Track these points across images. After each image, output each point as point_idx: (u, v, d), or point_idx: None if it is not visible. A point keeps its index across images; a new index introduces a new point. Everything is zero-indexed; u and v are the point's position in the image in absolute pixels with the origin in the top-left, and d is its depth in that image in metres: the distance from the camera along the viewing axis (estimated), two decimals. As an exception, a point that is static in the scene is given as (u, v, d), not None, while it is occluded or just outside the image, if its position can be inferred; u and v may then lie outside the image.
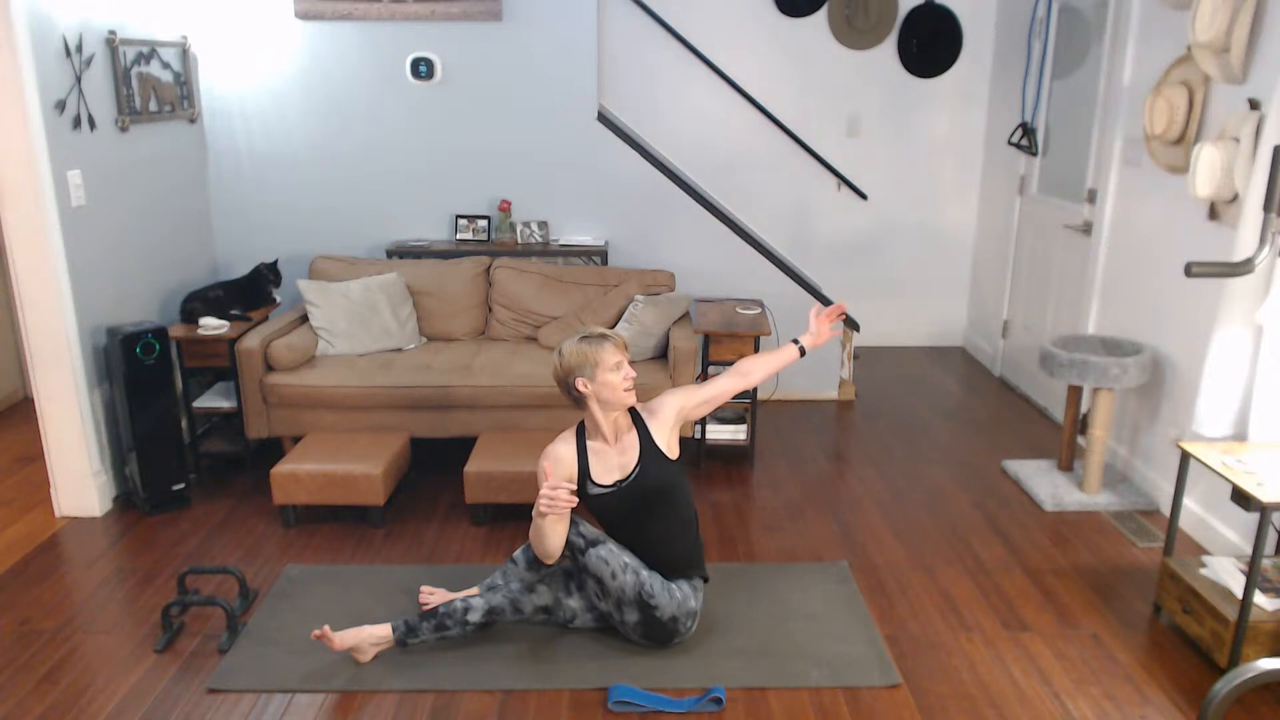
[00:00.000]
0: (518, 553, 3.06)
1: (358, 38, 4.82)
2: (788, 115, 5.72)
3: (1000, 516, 3.88)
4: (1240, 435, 3.26)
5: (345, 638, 2.82)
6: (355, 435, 4.01)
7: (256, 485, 4.15)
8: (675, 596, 2.86)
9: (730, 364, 4.30)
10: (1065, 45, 4.97)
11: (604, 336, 2.88)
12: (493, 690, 2.75)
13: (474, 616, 2.87)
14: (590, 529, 2.88)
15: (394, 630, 2.86)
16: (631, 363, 2.96)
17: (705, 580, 3.03)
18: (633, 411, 2.98)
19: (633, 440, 2.93)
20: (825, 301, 5.12)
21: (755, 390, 4.35)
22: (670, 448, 2.95)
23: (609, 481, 2.91)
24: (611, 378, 2.83)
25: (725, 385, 3.04)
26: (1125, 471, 4.20)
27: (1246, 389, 3.23)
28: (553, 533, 2.76)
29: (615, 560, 2.83)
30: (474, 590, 3.10)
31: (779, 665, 2.86)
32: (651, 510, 2.91)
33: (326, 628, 2.80)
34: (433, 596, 3.16)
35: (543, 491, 2.67)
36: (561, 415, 4.15)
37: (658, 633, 2.88)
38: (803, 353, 3.12)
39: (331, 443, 3.91)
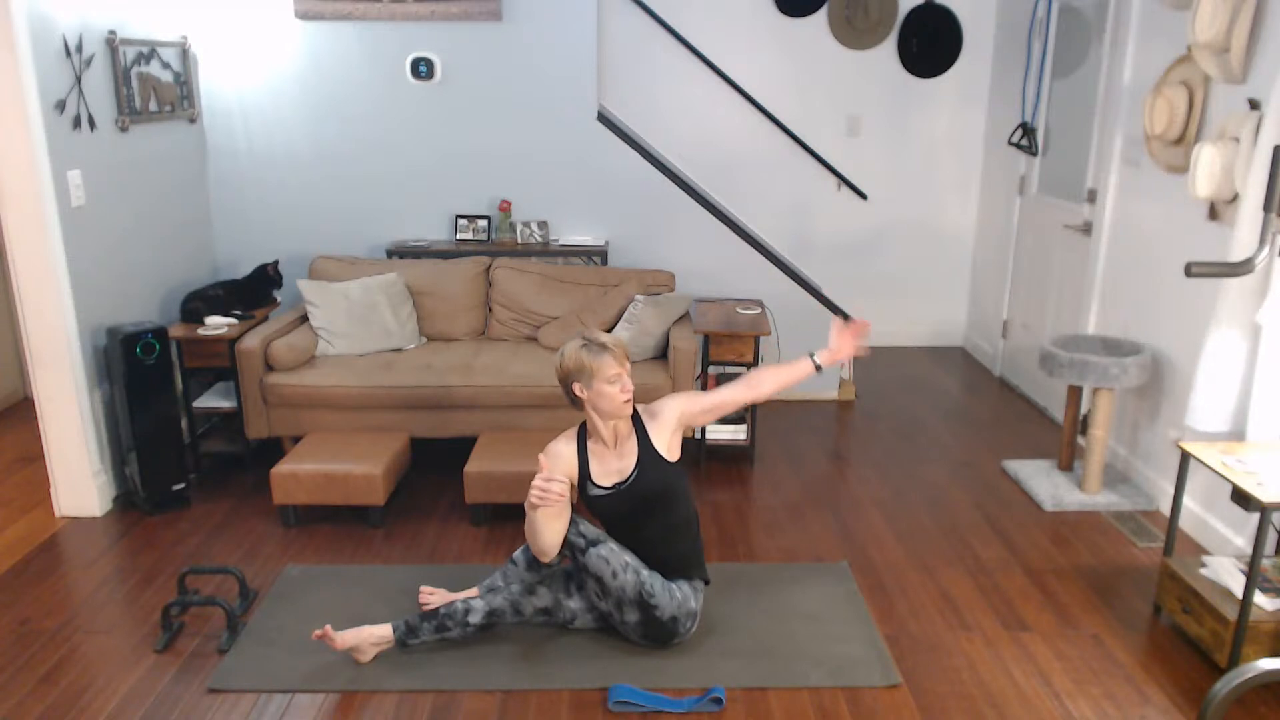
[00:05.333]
0: (517, 553, 3.06)
1: (358, 38, 4.82)
2: (788, 115, 5.72)
3: (1000, 516, 3.88)
4: (1235, 433, 3.26)
5: (346, 638, 2.82)
6: (355, 435, 4.01)
7: (256, 485, 4.15)
8: (675, 597, 2.86)
9: (730, 363, 4.32)
10: (1065, 45, 4.97)
11: (604, 347, 2.81)
12: (493, 690, 2.75)
13: (474, 618, 2.87)
14: (590, 529, 2.88)
15: (394, 630, 2.86)
16: (632, 372, 2.92)
17: (706, 582, 3.03)
18: (636, 413, 2.97)
19: (632, 444, 2.92)
20: (830, 306, 5.11)
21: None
22: (670, 450, 2.94)
23: (608, 484, 2.91)
24: (608, 389, 2.80)
25: (732, 395, 3.00)
26: (1125, 471, 4.20)
27: (1244, 387, 3.23)
28: (546, 529, 2.74)
29: (616, 560, 2.82)
30: (473, 591, 3.10)
31: (779, 665, 2.86)
32: (650, 513, 2.91)
33: (328, 627, 2.80)
34: (433, 596, 3.16)
35: (535, 482, 2.66)
36: (561, 415, 4.15)
37: (658, 633, 2.88)
38: (819, 369, 3.03)
39: (331, 443, 3.91)
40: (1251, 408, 3.17)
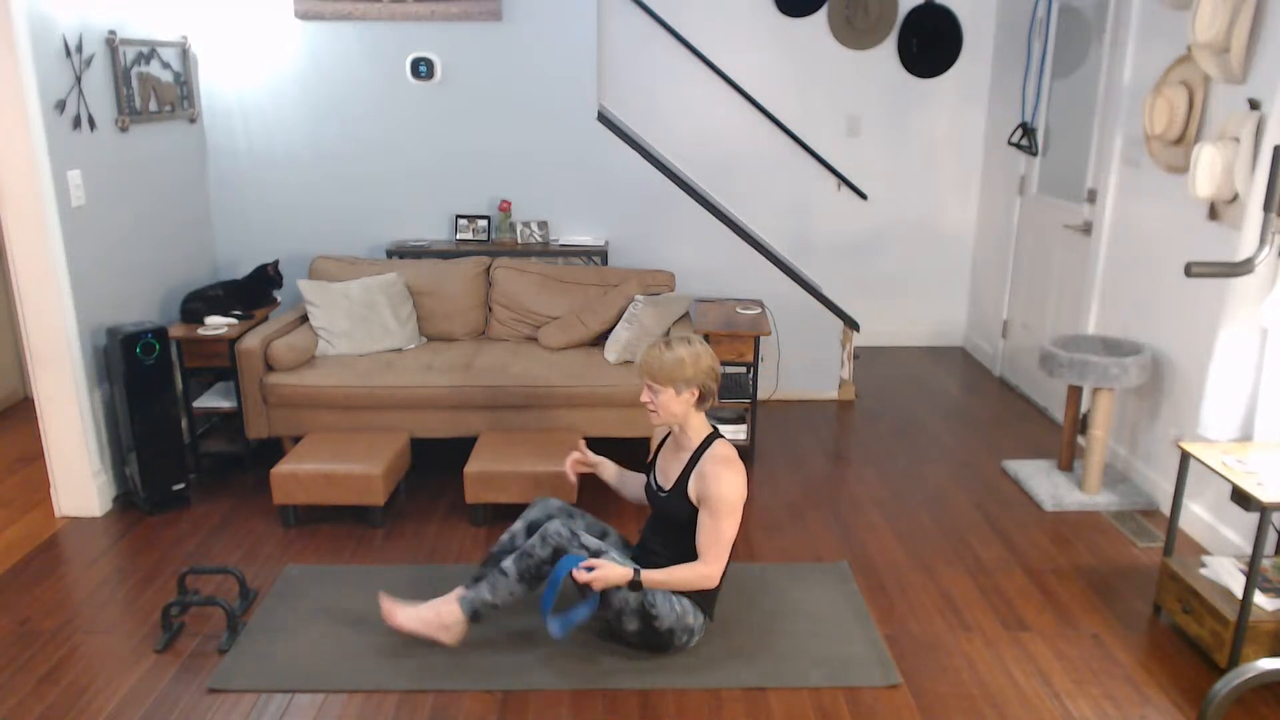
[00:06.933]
0: (508, 563, 2.90)
1: (358, 38, 4.82)
2: (788, 115, 5.72)
3: (1000, 516, 3.88)
4: (1245, 438, 3.26)
5: (409, 620, 2.84)
6: (355, 435, 4.01)
7: (256, 485, 4.15)
8: (675, 609, 2.84)
9: (730, 363, 4.34)
10: (1065, 45, 4.97)
11: (642, 356, 2.91)
12: (493, 690, 2.75)
13: (544, 552, 2.82)
14: (592, 540, 2.85)
15: (461, 605, 2.84)
16: (654, 392, 2.89)
17: (709, 618, 2.97)
18: (707, 445, 2.92)
19: (681, 465, 2.93)
20: (830, 306, 5.11)
21: (755, 390, 4.37)
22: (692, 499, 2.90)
23: (659, 483, 2.99)
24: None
25: (701, 543, 2.85)
26: (1125, 471, 4.20)
27: (1252, 392, 3.23)
28: (621, 490, 3.24)
29: None
30: (459, 591, 3.05)
31: (779, 665, 2.86)
32: (666, 532, 2.96)
33: (383, 594, 2.90)
34: (396, 608, 3.01)
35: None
36: (561, 415, 4.15)
37: (655, 642, 2.88)
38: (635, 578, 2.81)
39: (331, 443, 3.91)
40: (1259, 411, 3.16)
